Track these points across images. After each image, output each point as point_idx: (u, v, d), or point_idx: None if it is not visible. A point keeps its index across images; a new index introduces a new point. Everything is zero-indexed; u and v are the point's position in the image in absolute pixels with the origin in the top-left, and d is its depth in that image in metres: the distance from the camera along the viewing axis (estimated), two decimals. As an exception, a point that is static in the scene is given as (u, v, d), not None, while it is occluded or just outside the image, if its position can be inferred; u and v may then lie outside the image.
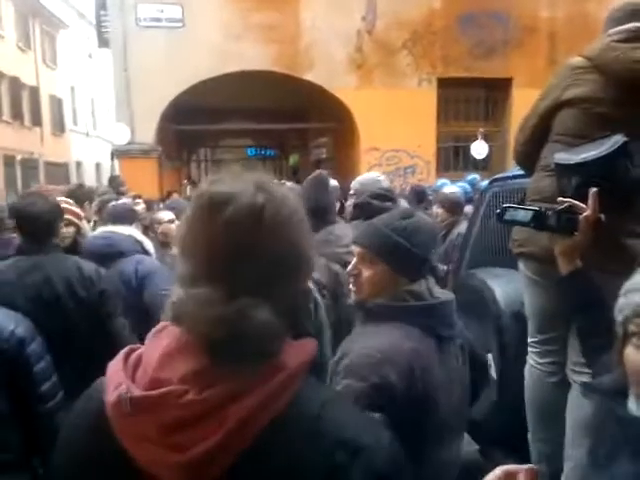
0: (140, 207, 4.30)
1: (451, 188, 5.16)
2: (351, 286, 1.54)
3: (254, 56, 8.95)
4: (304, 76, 9.23)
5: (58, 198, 3.07)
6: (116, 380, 0.76)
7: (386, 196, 3.03)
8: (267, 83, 9.39)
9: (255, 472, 0.71)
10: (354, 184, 3.55)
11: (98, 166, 27.15)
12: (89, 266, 2.45)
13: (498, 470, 0.83)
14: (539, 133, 2.10)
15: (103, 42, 10.52)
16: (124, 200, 4.23)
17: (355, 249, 1.54)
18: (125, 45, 8.72)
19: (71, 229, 2.96)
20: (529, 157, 2.21)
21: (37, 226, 2.43)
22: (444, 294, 1.53)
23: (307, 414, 0.74)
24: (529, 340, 2.17)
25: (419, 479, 1.00)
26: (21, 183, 18.94)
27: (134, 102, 8.77)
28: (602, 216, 1.58)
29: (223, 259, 0.75)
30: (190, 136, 12.40)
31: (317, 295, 2.00)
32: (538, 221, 1.66)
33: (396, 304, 1.45)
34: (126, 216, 3.29)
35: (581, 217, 1.58)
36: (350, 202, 3.35)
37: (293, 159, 17.12)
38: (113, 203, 3.84)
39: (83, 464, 0.77)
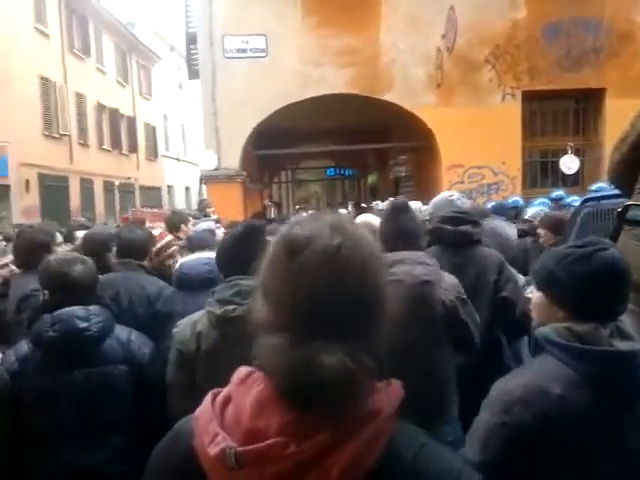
0: (220, 231, 4.44)
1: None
2: None
3: (334, 79, 9.12)
4: (383, 97, 9.26)
5: (166, 238, 3.29)
6: (211, 431, 0.74)
7: (461, 218, 2.75)
8: (346, 104, 9.52)
9: None
10: (428, 208, 3.38)
11: (187, 189, 28.68)
12: (152, 286, 2.59)
13: None
14: (638, 151, 1.97)
15: (193, 74, 11.18)
16: (205, 225, 4.35)
17: None
18: (213, 76, 9.20)
19: (172, 262, 3.20)
20: (626, 176, 2.08)
21: (131, 250, 2.73)
22: (630, 347, 1.25)
23: (404, 458, 0.74)
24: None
25: None
26: (119, 207, 20.31)
27: (221, 129, 9.20)
28: None
29: (300, 303, 0.74)
30: (271, 159, 12.77)
31: None
32: None
33: (549, 338, 1.29)
34: (209, 241, 3.37)
35: None
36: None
37: (372, 178, 17.15)
38: (195, 230, 3.91)
39: None
